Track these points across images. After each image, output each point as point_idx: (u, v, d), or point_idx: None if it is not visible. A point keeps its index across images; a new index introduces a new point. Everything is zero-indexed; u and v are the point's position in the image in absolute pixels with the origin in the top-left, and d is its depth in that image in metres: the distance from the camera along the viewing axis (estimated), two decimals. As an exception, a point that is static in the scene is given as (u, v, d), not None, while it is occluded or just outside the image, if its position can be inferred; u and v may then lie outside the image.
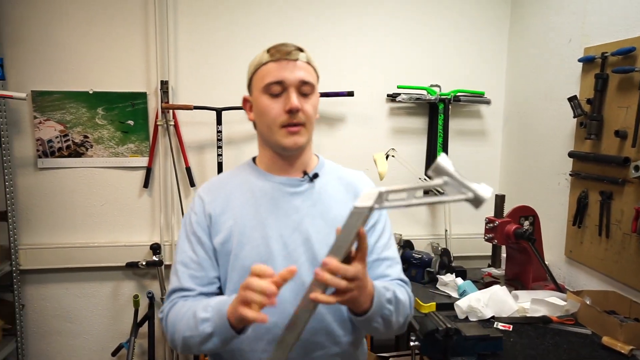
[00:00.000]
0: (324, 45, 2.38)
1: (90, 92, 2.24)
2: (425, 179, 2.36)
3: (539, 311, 1.66)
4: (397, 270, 1.14)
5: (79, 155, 2.27)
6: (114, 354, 2.36)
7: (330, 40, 2.38)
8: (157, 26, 2.24)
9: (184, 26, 2.28)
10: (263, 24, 2.32)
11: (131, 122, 2.29)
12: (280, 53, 1.05)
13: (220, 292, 1.11)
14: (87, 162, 2.28)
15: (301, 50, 1.08)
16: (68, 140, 2.25)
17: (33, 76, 2.20)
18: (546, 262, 2.00)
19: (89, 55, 2.23)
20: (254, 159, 1.19)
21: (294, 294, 1.05)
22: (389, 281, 1.11)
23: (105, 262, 2.32)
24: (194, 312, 0.99)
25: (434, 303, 1.75)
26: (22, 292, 2.31)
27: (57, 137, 2.24)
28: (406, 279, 1.15)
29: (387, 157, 2.22)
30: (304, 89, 1.06)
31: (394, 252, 1.17)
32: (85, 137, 2.26)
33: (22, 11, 2.16)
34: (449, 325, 1.40)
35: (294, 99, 1.03)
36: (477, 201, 0.78)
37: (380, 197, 0.83)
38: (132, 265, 2.28)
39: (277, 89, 1.05)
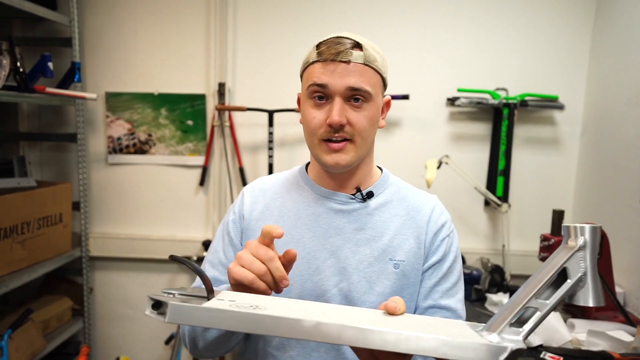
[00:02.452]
0: (379, 45, 2.30)
1: (155, 93, 2.39)
2: (483, 191, 2.19)
3: (598, 345, 1.45)
4: None
5: (143, 152, 2.43)
6: (167, 342, 2.48)
7: (387, 40, 2.30)
8: (217, 31, 2.33)
9: (243, 31, 2.35)
10: (319, 26, 2.31)
11: (190, 122, 2.40)
12: (329, 52, 0.89)
13: None
14: (150, 159, 2.44)
15: (358, 47, 0.90)
16: (134, 138, 2.42)
17: (107, 79, 2.40)
18: (618, 290, 1.74)
19: (156, 59, 2.38)
20: (307, 165, 1.06)
21: None
22: None
23: (162, 255, 2.45)
24: None
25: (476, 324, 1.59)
26: (91, 277, 2.51)
27: (125, 135, 2.42)
28: None
29: (439, 165, 2.09)
30: (355, 98, 0.90)
31: (457, 303, 0.95)
32: (149, 135, 2.42)
33: (100, 21, 2.37)
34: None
35: (336, 113, 0.88)
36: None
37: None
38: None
39: (321, 95, 0.90)
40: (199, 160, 2.42)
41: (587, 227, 0.64)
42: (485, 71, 2.31)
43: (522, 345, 0.60)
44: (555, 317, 1.51)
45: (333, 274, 0.94)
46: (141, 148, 2.43)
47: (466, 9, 2.28)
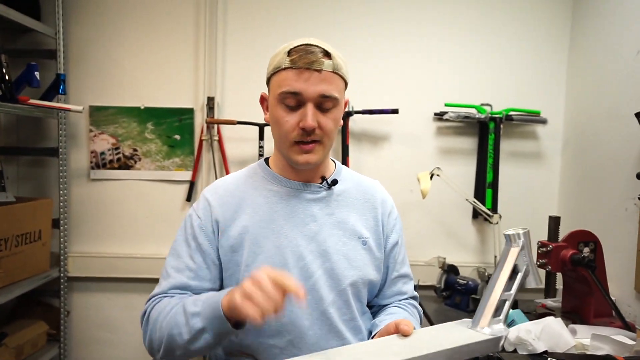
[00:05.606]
0: (369, 61, 2.34)
1: (142, 107, 2.33)
2: (474, 202, 2.22)
3: (602, 349, 1.45)
4: (411, 286, 1.17)
5: (128, 167, 2.35)
6: (149, 367, 2.35)
7: (376, 56, 2.34)
8: (206, 45, 2.31)
9: (232, 44, 2.34)
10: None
11: (178, 137, 2.35)
12: (303, 61, 0.93)
13: None
14: (135, 175, 2.36)
15: (328, 56, 0.96)
16: (119, 152, 2.34)
17: (91, 92, 2.33)
18: (612, 297, 1.77)
19: (143, 73, 2.34)
20: (266, 161, 1.11)
21: (308, 309, 0.99)
22: (404, 302, 1.14)
23: (146, 274, 2.35)
24: (183, 307, 0.89)
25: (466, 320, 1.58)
26: (69, 299, 2.37)
27: (109, 150, 2.34)
28: (416, 294, 1.19)
29: (432, 177, 2.11)
30: (325, 104, 0.96)
31: (408, 268, 1.18)
32: (135, 150, 2.35)
33: (85, 33, 2.32)
34: (491, 354, 1.25)
35: (310, 118, 0.93)
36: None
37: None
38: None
39: (293, 101, 0.95)
40: (186, 175, 2.36)
41: (521, 232, 0.88)
42: (470, 87, 2.38)
43: (507, 331, 0.84)
44: (558, 323, 1.52)
45: (316, 257, 1.01)
46: (126, 163, 2.35)
47: (452, 28, 2.36)
